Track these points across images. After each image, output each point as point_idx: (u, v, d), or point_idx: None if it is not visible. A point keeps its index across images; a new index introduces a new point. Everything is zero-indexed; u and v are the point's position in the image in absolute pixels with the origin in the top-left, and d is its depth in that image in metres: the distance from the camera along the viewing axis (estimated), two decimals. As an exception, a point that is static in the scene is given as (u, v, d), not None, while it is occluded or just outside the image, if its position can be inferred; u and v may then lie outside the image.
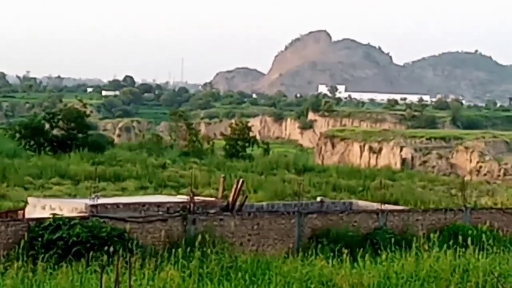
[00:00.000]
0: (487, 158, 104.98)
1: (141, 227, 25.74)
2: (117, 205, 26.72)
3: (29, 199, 28.78)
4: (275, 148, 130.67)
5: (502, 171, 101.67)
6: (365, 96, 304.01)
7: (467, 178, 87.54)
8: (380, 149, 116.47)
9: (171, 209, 27.40)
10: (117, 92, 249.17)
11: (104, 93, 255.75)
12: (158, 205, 27.53)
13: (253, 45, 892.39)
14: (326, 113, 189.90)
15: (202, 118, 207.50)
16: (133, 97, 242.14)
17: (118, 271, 16.50)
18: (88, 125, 74.16)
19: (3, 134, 74.35)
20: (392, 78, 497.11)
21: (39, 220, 24.23)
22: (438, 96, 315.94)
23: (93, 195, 27.85)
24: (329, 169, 68.09)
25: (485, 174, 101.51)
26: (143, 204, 27.40)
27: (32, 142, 65.94)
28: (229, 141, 79.79)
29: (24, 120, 77.51)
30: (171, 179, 54.22)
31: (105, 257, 21.63)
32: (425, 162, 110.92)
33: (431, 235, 26.06)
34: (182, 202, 28.22)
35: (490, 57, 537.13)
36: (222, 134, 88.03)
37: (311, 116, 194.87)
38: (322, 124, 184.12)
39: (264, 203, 33.95)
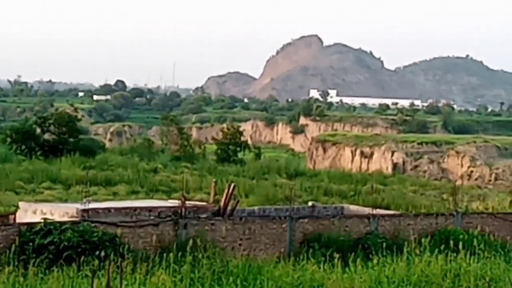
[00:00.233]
0: (478, 162, 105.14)
1: (132, 231, 25.69)
2: (108, 209, 26.64)
3: (20, 204, 28.67)
4: (267, 152, 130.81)
5: (493, 175, 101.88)
6: (356, 101, 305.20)
7: (459, 182, 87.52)
8: (372, 154, 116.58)
9: (162, 214, 27.34)
10: (109, 97, 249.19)
11: (95, 97, 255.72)
12: (150, 209, 27.47)
13: (245, 49, 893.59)
14: (317, 118, 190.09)
15: (193, 123, 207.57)
16: (124, 101, 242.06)
17: (110, 275, 16.50)
18: (80, 130, 73.99)
19: (-6, 138, 74.07)
20: (383, 83, 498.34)
21: (30, 225, 24.16)
22: (430, 100, 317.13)
23: (84, 200, 27.72)
24: (321, 174, 68.23)
25: (476, 179, 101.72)
26: (135, 208, 27.33)
27: (23, 147, 65.86)
28: (220, 145, 79.79)
29: (15, 124, 77.48)
30: (163, 184, 54.19)
31: (96, 262, 21.56)
32: (416, 166, 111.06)
33: (423, 240, 26.05)
34: (173, 207, 28.16)
35: (481, 62, 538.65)
36: (213, 138, 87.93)
37: (302, 120, 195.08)
38: (314, 129, 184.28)
39: (256, 208, 33.87)
